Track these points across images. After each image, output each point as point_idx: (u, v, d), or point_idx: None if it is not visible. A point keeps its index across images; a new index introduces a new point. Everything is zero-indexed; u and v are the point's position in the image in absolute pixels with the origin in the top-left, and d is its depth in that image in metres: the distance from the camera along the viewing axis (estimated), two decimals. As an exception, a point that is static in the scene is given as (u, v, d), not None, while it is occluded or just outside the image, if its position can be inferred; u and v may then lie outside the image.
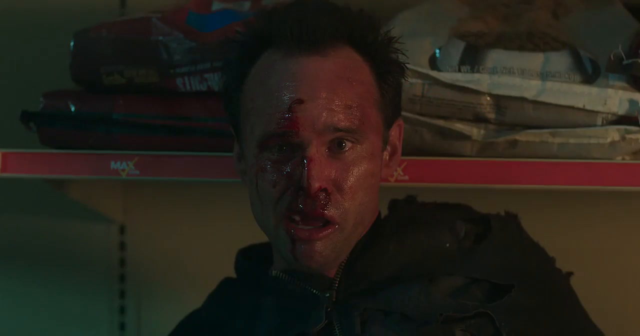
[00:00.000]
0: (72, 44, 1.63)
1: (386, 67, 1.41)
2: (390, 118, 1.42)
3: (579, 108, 1.53)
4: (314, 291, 1.40)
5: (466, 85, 1.55)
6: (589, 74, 1.54)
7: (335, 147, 1.35)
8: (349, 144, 1.36)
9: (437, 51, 1.58)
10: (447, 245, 1.43)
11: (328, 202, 1.34)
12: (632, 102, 1.53)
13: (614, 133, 1.54)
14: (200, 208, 2.00)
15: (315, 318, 1.37)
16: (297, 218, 1.35)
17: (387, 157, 1.45)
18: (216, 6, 1.66)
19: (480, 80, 1.55)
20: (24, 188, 2.00)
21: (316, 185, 1.32)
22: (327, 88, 1.34)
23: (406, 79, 1.45)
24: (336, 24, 1.37)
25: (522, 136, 1.55)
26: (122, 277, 2.04)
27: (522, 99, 1.54)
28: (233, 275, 1.55)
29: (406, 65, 1.43)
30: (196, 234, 2.01)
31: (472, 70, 1.56)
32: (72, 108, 1.63)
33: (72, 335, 2.05)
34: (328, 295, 1.39)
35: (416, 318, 1.34)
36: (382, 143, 1.41)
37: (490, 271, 1.40)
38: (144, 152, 1.61)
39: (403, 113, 1.54)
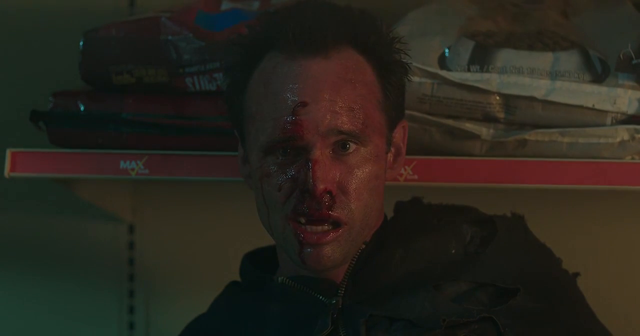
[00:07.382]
0: (81, 43, 1.63)
1: (389, 68, 1.40)
2: (393, 120, 1.42)
3: (588, 108, 1.53)
4: (321, 297, 1.40)
5: (475, 84, 1.54)
6: (599, 73, 1.54)
7: (339, 148, 1.35)
8: (353, 146, 1.35)
9: (447, 50, 1.58)
10: (453, 250, 1.43)
11: (333, 204, 1.34)
12: (641, 102, 1.53)
13: (623, 133, 1.53)
14: (209, 208, 2.00)
15: (321, 325, 1.37)
16: (302, 220, 1.35)
17: (391, 159, 1.44)
18: (225, 5, 1.66)
19: (490, 80, 1.55)
20: (33, 188, 2.00)
21: (321, 186, 1.32)
22: (330, 90, 1.34)
23: (410, 79, 1.44)
24: (338, 25, 1.36)
25: (532, 135, 1.55)
26: (131, 277, 2.04)
27: (532, 99, 1.54)
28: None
29: (410, 65, 1.42)
30: (205, 234, 2.01)
31: (482, 70, 1.55)
32: (82, 108, 1.63)
33: (81, 334, 2.05)
34: (334, 301, 1.39)
35: (421, 324, 1.34)
36: (386, 145, 1.41)
37: (496, 276, 1.39)
38: (153, 152, 1.61)
39: (412, 112, 1.54)
